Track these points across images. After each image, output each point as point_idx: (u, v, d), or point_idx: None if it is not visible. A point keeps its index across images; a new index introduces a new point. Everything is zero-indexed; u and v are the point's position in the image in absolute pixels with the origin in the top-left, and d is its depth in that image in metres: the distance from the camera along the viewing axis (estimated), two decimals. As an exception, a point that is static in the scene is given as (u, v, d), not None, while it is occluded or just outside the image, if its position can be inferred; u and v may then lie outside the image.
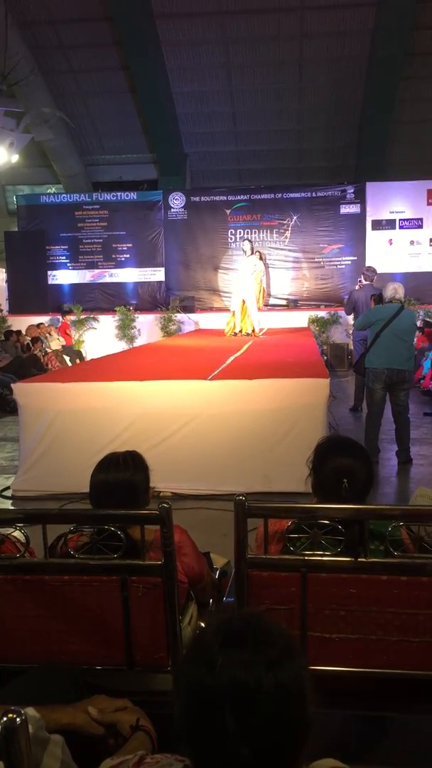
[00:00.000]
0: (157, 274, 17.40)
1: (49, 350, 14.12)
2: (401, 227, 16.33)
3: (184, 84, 16.92)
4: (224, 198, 17.13)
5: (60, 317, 16.14)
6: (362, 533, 2.14)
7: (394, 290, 6.79)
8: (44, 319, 16.01)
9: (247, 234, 16.85)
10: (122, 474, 2.48)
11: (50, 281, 17.51)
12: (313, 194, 16.71)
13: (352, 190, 16.50)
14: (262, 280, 15.82)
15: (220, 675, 1.05)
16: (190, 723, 1.08)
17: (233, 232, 17.00)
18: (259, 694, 1.03)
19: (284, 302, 16.74)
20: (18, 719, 1.11)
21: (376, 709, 2.36)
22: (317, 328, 15.28)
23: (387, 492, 5.96)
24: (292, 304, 16.58)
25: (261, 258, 16.05)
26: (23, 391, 6.26)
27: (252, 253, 12.37)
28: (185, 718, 1.09)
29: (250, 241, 12.80)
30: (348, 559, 2.14)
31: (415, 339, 8.74)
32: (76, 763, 1.50)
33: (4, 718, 1.11)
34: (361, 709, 2.36)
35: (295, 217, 16.72)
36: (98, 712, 1.68)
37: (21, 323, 15.54)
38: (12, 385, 6.67)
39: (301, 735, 1.07)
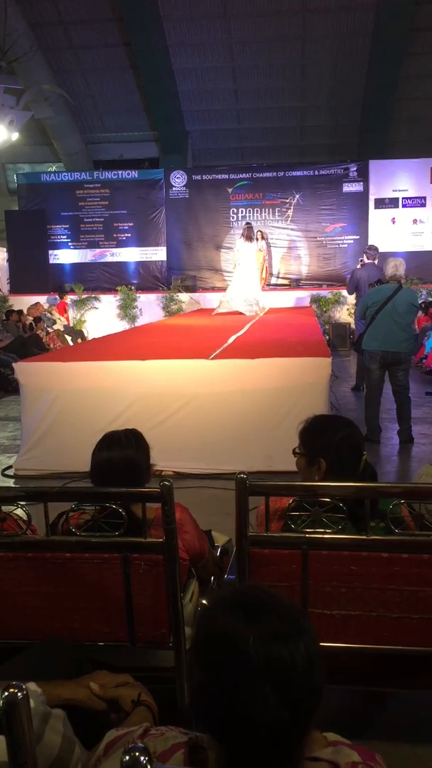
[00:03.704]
0: (159, 254, 17.33)
1: (51, 330, 14.11)
2: (404, 206, 16.23)
3: (186, 60, 16.75)
4: (226, 176, 17.02)
5: (57, 296, 16.09)
6: (364, 511, 2.14)
7: (395, 267, 6.71)
8: (45, 298, 15.99)
9: (249, 213, 16.77)
10: (124, 452, 2.49)
11: (51, 261, 17.43)
12: (316, 172, 16.59)
13: (354, 169, 16.38)
14: (265, 258, 15.79)
15: (255, 651, 1.06)
16: (215, 699, 1.09)
17: (235, 210, 16.90)
18: (294, 663, 1.06)
19: (286, 281, 16.69)
20: (19, 694, 1.12)
21: (376, 685, 2.39)
22: (319, 308, 15.24)
23: (388, 470, 5.97)
24: (294, 284, 16.53)
25: (263, 237, 16.01)
26: (25, 370, 6.25)
27: (247, 239, 11.99)
28: (208, 695, 1.10)
29: (249, 226, 12.63)
30: (349, 536, 2.15)
31: (416, 318, 8.68)
32: (78, 737, 1.51)
33: (6, 693, 1.11)
34: (361, 685, 2.38)
35: (297, 196, 16.61)
36: (100, 687, 1.69)
37: (22, 303, 15.51)
38: (14, 365, 6.66)
39: (317, 700, 1.10)
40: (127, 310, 16.29)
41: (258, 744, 1.05)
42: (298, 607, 1.16)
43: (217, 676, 1.09)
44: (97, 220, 17.47)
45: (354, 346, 7.90)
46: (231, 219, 16.95)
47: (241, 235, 12.27)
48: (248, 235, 12.00)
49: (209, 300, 16.04)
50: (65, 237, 17.64)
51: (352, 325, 13.08)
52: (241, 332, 8.56)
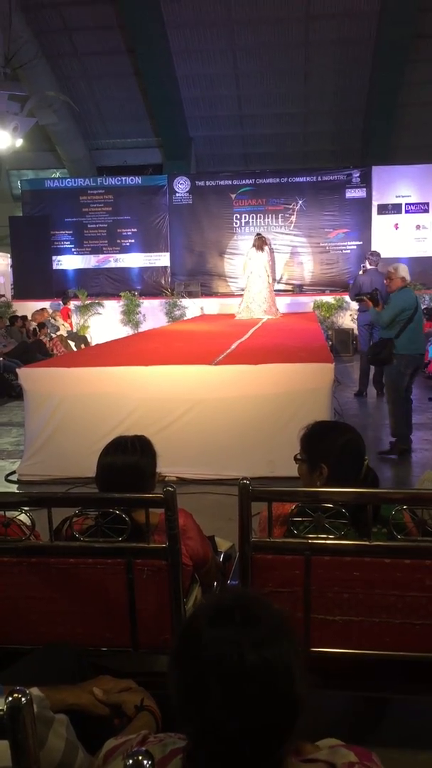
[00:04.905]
0: (162, 259, 17.35)
1: (54, 335, 14.13)
2: (407, 211, 16.24)
3: (189, 67, 16.81)
4: (229, 182, 17.04)
5: (60, 302, 16.11)
6: (367, 517, 2.15)
7: (408, 273, 6.76)
8: (48, 304, 16.02)
9: (252, 219, 16.81)
10: (129, 458, 2.49)
11: (55, 266, 17.47)
12: (319, 178, 16.61)
13: (357, 174, 16.40)
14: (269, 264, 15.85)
15: (206, 651, 1.06)
16: (182, 699, 1.10)
17: (238, 216, 16.93)
18: (243, 670, 1.04)
19: (289, 287, 16.69)
20: (23, 699, 1.12)
21: (378, 691, 2.38)
22: (322, 313, 15.25)
23: (389, 476, 5.97)
24: (297, 289, 16.54)
25: (266, 243, 16.05)
26: (28, 376, 6.27)
27: (259, 249, 12.91)
28: (178, 695, 1.10)
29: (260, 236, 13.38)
30: (352, 542, 2.15)
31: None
32: (82, 742, 1.52)
33: (9, 698, 1.12)
34: (363, 691, 2.38)
35: (300, 202, 16.64)
36: (103, 692, 1.70)
37: (26, 309, 15.55)
38: (17, 370, 6.68)
39: (289, 713, 1.07)
40: (130, 315, 16.32)
41: (218, 748, 1.06)
42: (278, 618, 1.13)
43: (179, 675, 1.10)
44: (100, 225, 17.50)
45: (372, 356, 7.02)
46: (234, 225, 16.98)
47: (252, 245, 13.08)
48: (259, 245, 12.85)
49: (213, 306, 16.07)
50: (69, 243, 17.68)
51: (355, 331, 13.07)
52: (244, 338, 8.58)
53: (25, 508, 2.27)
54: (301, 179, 16.75)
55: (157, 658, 2.29)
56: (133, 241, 17.49)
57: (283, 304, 15.29)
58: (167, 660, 1.15)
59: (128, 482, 2.40)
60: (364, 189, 16.33)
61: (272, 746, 1.07)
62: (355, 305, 11.81)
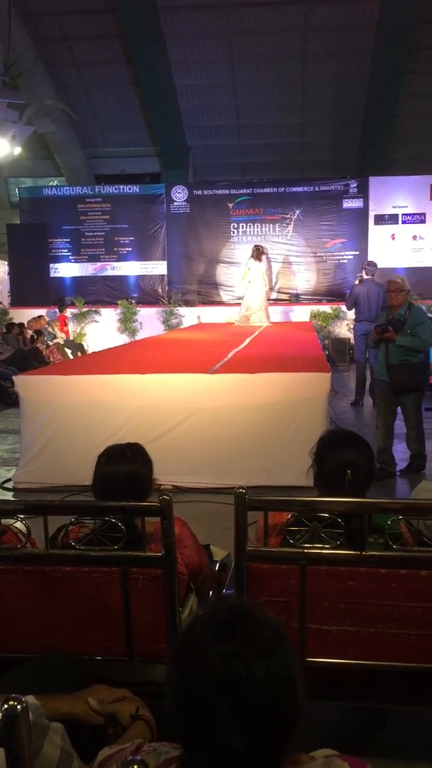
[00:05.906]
0: (159, 268, 17.37)
1: (51, 343, 14.14)
2: (404, 222, 16.30)
3: (188, 77, 16.87)
4: (227, 192, 17.08)
5: (57, 310, 16.10)
6: (362, 527, 2.15)
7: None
8: (45, 312, 16.03)
9: (249, 228, 16.86)
10: (131, 467, 2.48)
11: (52, 274, 17.47)
12: (316, 188, 16.66)
13: (355, 185, 16.45)
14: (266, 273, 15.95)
15: (212, 668, 1.06)
16: (183, 715, 1.09)
17: (236, 226, 16.97)
18: (252, 684, 1.04)
19: (286, 297, 16.73)
20: (19, 707, 1.12)
21: (374, 701, 2.38)
22: (319, 323, 15.27)
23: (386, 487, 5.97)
24: (294, 299, 16.58)
25: (263, 253, 16.09)
26: (25, 383, 6.26)
27: (257, 260, 13.41)
28: (179, 711, 1.10)
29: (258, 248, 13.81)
30: (347, 552, 2.16)
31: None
32: (77, 751, 1.52)
33: (5, 706, 1.12)
34: (359, 701, 2.38)
35: (297, 212, 16.68)
36: (98, 702, 1.69)
37: (23, 316, 15.55)
38: (13, 378, 6.68)
39: (292, 722, 1.08)
40: (127, 323, 16.32)
41: (221, 760, 1.05)
42: (276, 628, 1.13)
43: (182, 691, 1.09)
44: (98, 233, 17.52)
45: (412, 379, 6.05)
46: (231, 234, 17.01)
47: (251, 255, 13.60)
48: (257, 255, 13.42)
49: (209, 314, 16.09)
50: (66, 250, 17.69)
51: (352, 341, 13.09)
52: (241, 347, 8.58)
53: (21, 516, 2.27)
54: (299, 189, 16.81)
55: (152, 668, 2.29)
56: (130, 249, 17.51)
57: (280, 313, 15.34)
58: (165, 677, 1.14)
59: (130, 491, 2.40)
60: (362, 199, 16.39)
61: (275, 756, 1.08)
62: (351, 315, 11.83)
